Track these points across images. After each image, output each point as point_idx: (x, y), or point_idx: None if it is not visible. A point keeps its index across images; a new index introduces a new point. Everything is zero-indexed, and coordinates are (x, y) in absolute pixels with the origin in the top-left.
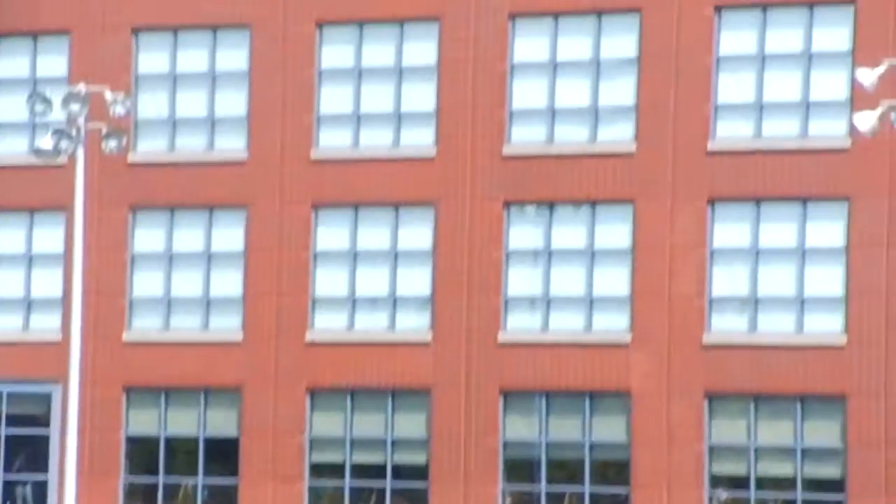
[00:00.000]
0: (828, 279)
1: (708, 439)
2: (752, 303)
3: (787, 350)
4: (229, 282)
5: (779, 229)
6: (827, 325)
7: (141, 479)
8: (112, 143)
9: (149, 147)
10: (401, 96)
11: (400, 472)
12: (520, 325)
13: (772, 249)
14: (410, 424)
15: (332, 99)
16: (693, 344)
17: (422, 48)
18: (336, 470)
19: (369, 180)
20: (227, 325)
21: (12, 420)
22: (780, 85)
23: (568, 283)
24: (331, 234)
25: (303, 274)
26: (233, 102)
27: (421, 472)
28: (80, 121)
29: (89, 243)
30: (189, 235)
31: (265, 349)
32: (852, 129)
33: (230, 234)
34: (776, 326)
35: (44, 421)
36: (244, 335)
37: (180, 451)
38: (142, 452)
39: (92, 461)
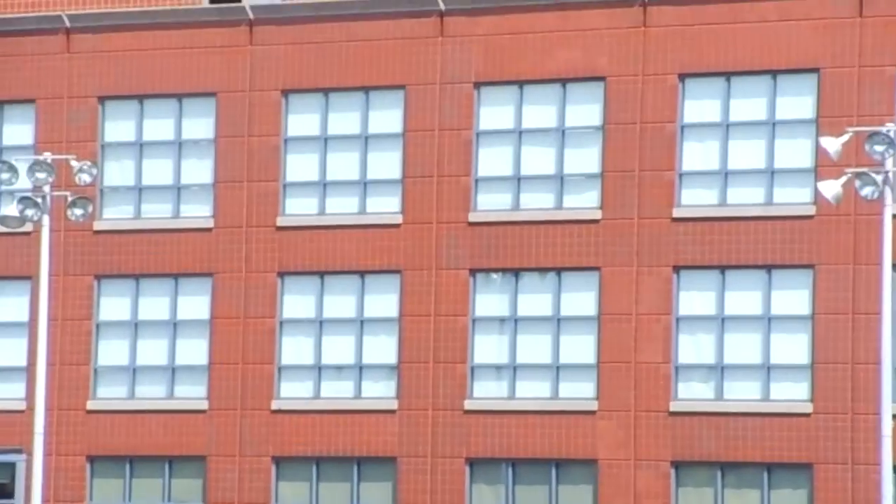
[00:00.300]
0: (793, 347)
1: None
2: (718, 370)
3: (754, 417)
4: (195, 350)
5: (744, 297)
6: (793, 393)
7: None
8: (78, 211)
9: (114, 215)
10: (367, 164)
11: None
12: (486, 392)
13: (737, 317)
14: (376, 493)
15: (298, 166)
16: (659, 412)
17: (387, 116)
18: None
19: (335, 248)
20: (193, 394)
21: None
22: (744, 152)
23: (534, 350)
24: (296, 301)
25: (268, 342)
26: (198, 170)
27: None
28: (46, 189)
29: (54, 311)
30: (154, 303)
31: (230, 417)
32: (817, 197)
33: (196, 302)
34: (742, 394)
35: (8, 491)
36: (209, 403)
37: None
38: None
39: None
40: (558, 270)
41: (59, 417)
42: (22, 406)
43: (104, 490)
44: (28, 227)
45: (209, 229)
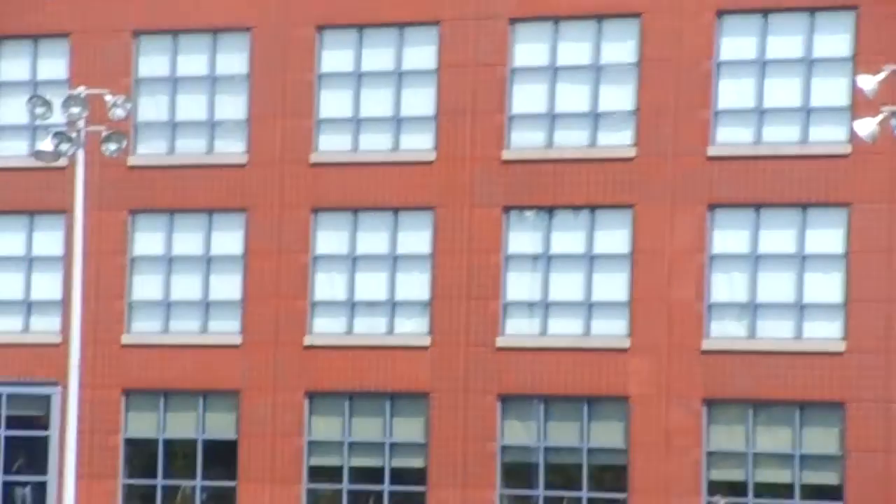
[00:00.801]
0: (827, 285)
1: (706, 445)
2: (751, 309)
3: (786, 356)
4: (228, 285)
5: (778, 235)
6: (826, 332)
7: (140, 482)
8: (112, 146)
9: (148, 150)
10: (400, 100)
11: (398, 475)
12: (518, 330)
13: (771, 255)
14: (409, 428)
15: (332, 103)
16: (692, 350)
17: (422, 52)
18: (334, 473)
19: (368, 184)
20: (226, 329)
21: (12, 422)
22: (780, 90)
23: (567, 288)
24: (330, 237)
25: (302, 278)
26: (232, 105)
27: (419, 477)
28: (80, 124)
29: (89, 246)
30: (188, 238)
31: (264, 353)
32: (853, 135)
33: (229, 238)
34: (775, 333)
35: (44, 423)
36: (243, 339)
37: (179, 454)
38: (141, 455)
39: (91, 463)
40: (592, 208)
41: (94, 351)
42: (57, 339)
43: (138, 423)
44: (62, 162)
45: (243, 165)
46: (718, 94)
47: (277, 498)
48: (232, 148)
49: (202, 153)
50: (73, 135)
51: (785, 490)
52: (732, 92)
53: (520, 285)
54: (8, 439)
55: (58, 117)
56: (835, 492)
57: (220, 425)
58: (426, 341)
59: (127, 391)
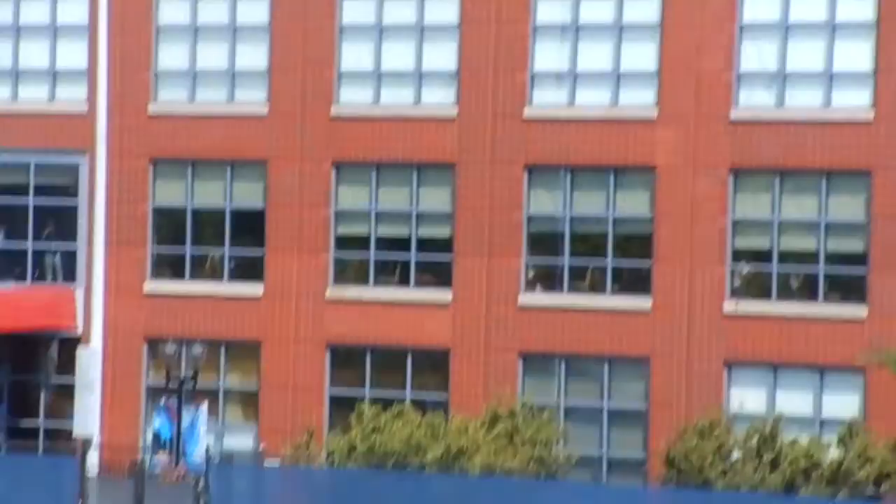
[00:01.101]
0: (857, 54)
1: (732, 213)
2: (781, 78)
3: (814, 125)
4: (255, 54)
5: (809, 4)
6: (855, 100)
7: (168, 250)
8: None
9: None
10: None
11: (424, 244)
12: (546, 100)
13: (801, 24)
14: (435, 198)
15: None
16: (720, 119)
17: None
18: (361, 242)
19: None
20: (253, 98)
21: (41, 190)
22: None
23: (595, 58)
24: (356, 7)
25: (328, 47)
26: None
27: (445, 245)
28: None
29: (114, 15)
30: (214, 7)
31: (291, 122)
32: None
33: (255, 7)
34: (804, 101)
35: (72, 191)
36: (270, 108)
37: (207, 223)
38: (169, 223)
39: (120, 231)
40: None
41: (120, 121)
42: (84, 108)
43: (166, 192)
44: None
45: None
46: None
47: (305, 266)
48: None
49: None
50: None
51: (810, 257)
52: None
53: (548, 56)
54: (37, 208)
55: None
56: (859, 258)
57: (247, 194)
58: (453, 112)
59: (154, 160)
